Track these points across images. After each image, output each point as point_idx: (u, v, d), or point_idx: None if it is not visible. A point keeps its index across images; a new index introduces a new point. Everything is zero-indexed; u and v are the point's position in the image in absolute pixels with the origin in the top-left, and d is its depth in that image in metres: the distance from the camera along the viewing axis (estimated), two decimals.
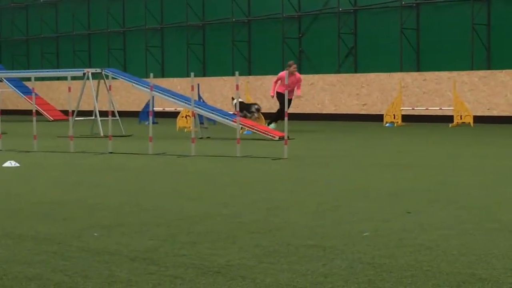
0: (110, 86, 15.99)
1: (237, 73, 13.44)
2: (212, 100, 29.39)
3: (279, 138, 16.75)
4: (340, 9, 28.23)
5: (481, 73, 24.31)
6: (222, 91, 30.21)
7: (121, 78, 20.04)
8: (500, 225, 6.11)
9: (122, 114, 24.89)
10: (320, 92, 27.88)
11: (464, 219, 6.37)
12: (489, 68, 24.62)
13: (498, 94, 23.77)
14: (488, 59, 24.86)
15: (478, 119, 23.32)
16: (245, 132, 18.84)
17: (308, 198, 7.85)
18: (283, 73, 20.26)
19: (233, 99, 21.50)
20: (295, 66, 20.67)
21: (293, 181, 9.44)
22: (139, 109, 28.93)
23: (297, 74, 20.68)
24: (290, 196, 8.01)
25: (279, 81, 20.53)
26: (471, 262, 4.79)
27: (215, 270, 4.66)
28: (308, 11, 29.40)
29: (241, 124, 16.49)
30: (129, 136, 19.12)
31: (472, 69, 24.76)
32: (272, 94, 20.59)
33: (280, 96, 20.31)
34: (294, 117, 26.99)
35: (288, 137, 12.83)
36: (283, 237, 5.70)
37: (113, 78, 19.35)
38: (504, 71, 23.80)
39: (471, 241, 5.46)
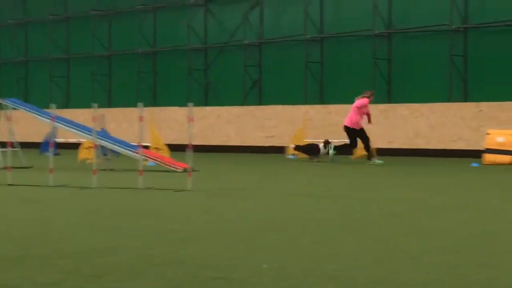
0: (10, 116, 15.61)
1: (141, 104, 13.33)
2: (118, 131, 29.06)
3: (184, 170, 16.66)
4: (246, 42, 28.45)
5: (382, 106, 24.82)
6: (127, 122, 29.94)
7: (21, 108, 19.64)
8: (406, 254, 6.19)
9: (23, 145, 24.37)
10: (226, 124, 27.95)
11: (372, 249, 6.43)
12: (389, 102, 25.16)
13: (398, 127, 24.29)
14: (389, 92, 25.43)
15: (379, 152, 23.77)
16: (148, 164, 18.67)
17: (213, 229, 7.79)
18: (366, 101, 20.57)
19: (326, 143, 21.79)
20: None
21: (197, 212, 9.37)
22: (41, 140, 28.38)
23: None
24: (196, 228, 7.94)
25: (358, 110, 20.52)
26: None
27: None
28: (214, 43, 29.53)
29: (144, 155, 16.33)
30: (29, 167, 18.69)
31: (373, 102, 25.26)
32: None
33: (354, 131, 20.46)
34: (199, 149, 26.94)
35: (192, 169, 12.77)
36: (189, 269, 5.63)
37: (13, 108, 18.94)
38: (403, 104, 24.36)
39: (378, 271, 5.51)
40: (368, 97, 20.21)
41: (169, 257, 6.17)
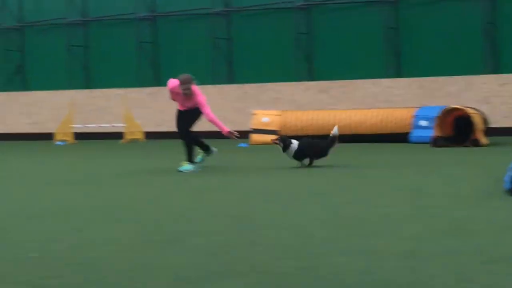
0: None
1: None
2: None
3: None
4: (5, 26, 27.45)
5: (149, 90, 24.90)
6: None
7: None
8: (167, 237, 6.27)
9: None
10: None
11: (133, 233, 6.45)
12: (158, 85, 25.30)
13: (166, 110, 24.47)
14: (156, 76, 25.52)
15: (148, 135, 23.84)
16: None
17: None
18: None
19: None
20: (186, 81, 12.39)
21: None
22: None
23: (195, 96, 12.48)
24: None
25: None
26: (140, 275, 4.86)
27: None
28: None
29: None
30: None
31: (141, 86, 25.26)
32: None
33: None
34: None
35: None
36: None
37: None
38: None
39: (140, 254, 5.54)
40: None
41: None
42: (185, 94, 12.37)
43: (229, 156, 16.48)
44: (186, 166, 12.31)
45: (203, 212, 7.66)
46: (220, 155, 16.65)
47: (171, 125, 24.12)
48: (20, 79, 27.42)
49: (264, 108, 22.49)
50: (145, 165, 14.41)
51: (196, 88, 12.49)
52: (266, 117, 20.51)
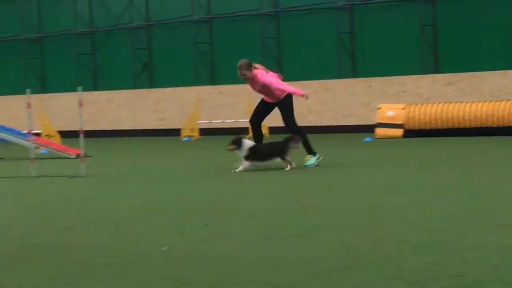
0: None
1: (28, 90, 12.98)
2: (6, 119, 28.30)
3: (76, 155, 16.36)
4: (133, 25, 28.14)
5: None
6: (15, 110, 29.18)
7: None
8: (295, 231, 6.26)
9: None
10: (117, 108, 27.62)
11: (261, 227, 6.47)
12: (284, 80, 25.33)
13: None
14: (280, 70, 25.59)
15: (272, 130, 23.93)
16: (40, 151, 18.25)
17: (106, 215, 7.69)
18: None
19: None
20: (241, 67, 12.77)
21: (90, 199, 9.24)
22: None
23: (258, 78, 12.47)
24: (87, 214, 7.82)
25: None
26: (268, 269, 4.86)
27: None
28: (101, 27, 29.07)
29: (35, 143, 15.95)
30: None
31: None
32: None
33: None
34: (90, 134, 26.55)
35: (85, 154, 12.54)
36: (80, 256, 5.54)
37: None
38: (295, 82, 24.57)
39: (267, 248, 5.55)
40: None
41: (56, 245, 6.03)
42: (244, 79, 12.44)
43: (353, 150, 16.36)
44: (311, 160, 12.26)
45: (330, 207, 7.62)
46: (345, 149, 16.57)
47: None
48: (147, 76, 28.07)
49: (389, 101, 22.19)
50: None
51: (259, 72, 12.35)
52: (391, 111, 20.26)
